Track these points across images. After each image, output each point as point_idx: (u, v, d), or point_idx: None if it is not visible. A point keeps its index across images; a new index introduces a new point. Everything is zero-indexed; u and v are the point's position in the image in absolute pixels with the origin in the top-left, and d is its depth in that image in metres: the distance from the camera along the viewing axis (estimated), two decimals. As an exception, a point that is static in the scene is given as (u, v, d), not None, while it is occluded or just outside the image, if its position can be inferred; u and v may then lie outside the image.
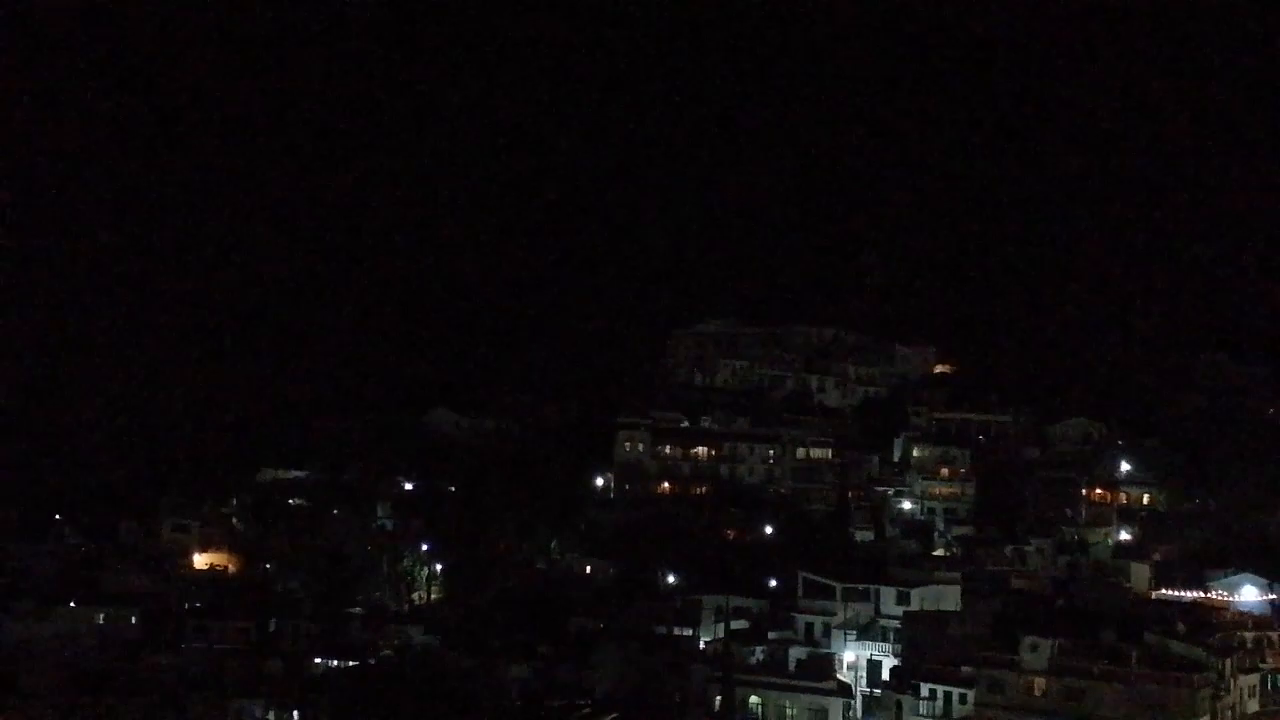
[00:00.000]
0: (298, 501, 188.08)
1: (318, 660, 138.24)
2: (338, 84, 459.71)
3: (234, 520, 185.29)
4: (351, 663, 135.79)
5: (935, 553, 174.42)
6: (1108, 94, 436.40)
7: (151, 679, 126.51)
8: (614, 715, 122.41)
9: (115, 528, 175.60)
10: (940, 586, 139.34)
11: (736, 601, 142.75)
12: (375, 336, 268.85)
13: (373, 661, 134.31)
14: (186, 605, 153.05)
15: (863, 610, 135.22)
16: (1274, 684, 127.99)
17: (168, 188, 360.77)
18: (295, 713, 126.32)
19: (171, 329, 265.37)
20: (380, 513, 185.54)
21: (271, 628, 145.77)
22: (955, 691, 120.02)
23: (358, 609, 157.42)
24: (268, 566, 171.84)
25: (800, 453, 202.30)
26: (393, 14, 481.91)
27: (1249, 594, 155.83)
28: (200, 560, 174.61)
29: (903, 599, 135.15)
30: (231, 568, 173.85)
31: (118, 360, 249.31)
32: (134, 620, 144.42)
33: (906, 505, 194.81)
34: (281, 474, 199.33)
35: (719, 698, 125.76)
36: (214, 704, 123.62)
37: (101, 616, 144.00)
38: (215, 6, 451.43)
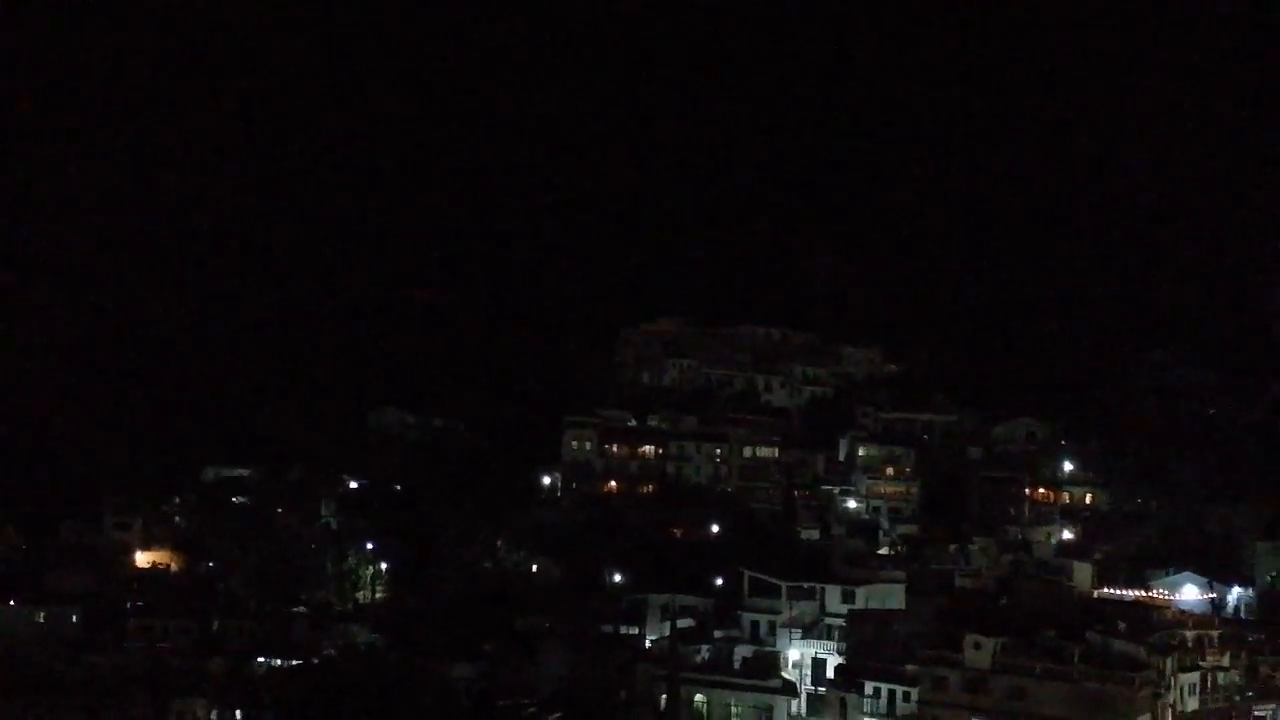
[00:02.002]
0: (241, 500, 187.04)
1: (261, 660, 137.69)
2: (290, 88, 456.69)
3: (177, 519, 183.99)
4: (295, 662, 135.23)
5: (880, 551, 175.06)
6: (1055, 93, 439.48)
7: (93, 678, 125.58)
8: (559, 714, 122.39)
9: (56, 526, 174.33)
10: (885, 585, 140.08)
11: (682, 600, 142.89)
12: (322, 333, 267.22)
13: (317, 661, 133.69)
14: (129, 604, 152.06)
15: (808, 609, 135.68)
16: (1214, 682, 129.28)
17: (113, 186, 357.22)
18: (238, 712, 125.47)
19: (115, 326, 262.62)
20: (325, 511, 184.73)
21: (215, 627, 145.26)
22: (899, 690, 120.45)
23: (302, 608, 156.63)
24: (211, 565, 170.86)
25: (747, 452, 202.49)
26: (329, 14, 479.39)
27: (1190, 593, 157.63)
28: (143, 559, 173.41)
29: (848, 597, 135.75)
30: (174, 566, 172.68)
31: (59, 357, 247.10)
32: (75, 619, 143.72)
33: (852, 504, 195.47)
34: (225, 472, 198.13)
35: (664, 696, 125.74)
36: (156, 703, 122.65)
37: (42, 615, 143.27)
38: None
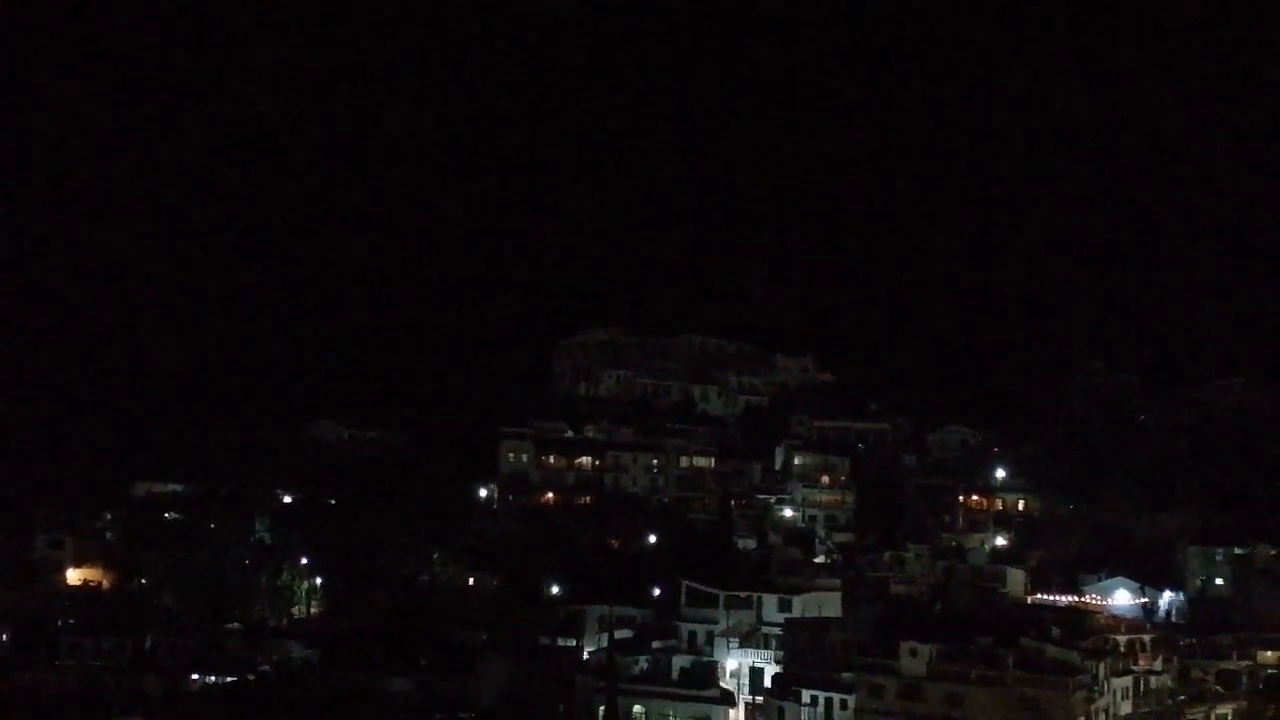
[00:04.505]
0: (174, 515, 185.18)
1: (196, 676, 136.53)
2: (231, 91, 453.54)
3: (108, 535, 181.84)
4: (230, 679, 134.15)
5: (816, 560, 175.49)
6: (993, 106, 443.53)
7: (25, 697, 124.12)
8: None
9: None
10: (821, 593, 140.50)
11: (620, 611, 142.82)
12: (257, 345, 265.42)
13: (252, 677, 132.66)
14: (60, 621, 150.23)
15: (745, 618, 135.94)
16: (1146, 686, 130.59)
17: (47, 195, 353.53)
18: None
19: (43, 339, 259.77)
20: (259, 526, 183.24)
21: (149, 644, 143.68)
22: (836, 697, 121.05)
23: (236, 624, 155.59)
24: (144, 582, 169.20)
25: (683, 462, 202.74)
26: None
27: (1122, 597, 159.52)
28: (74, 575, 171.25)
29: (784, 606, 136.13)
30: (106, 583, 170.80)
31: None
32: (5, 637, 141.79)
33: (788, 513, 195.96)
34: (157, 487, 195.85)
35: (603, 708, 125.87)
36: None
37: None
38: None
